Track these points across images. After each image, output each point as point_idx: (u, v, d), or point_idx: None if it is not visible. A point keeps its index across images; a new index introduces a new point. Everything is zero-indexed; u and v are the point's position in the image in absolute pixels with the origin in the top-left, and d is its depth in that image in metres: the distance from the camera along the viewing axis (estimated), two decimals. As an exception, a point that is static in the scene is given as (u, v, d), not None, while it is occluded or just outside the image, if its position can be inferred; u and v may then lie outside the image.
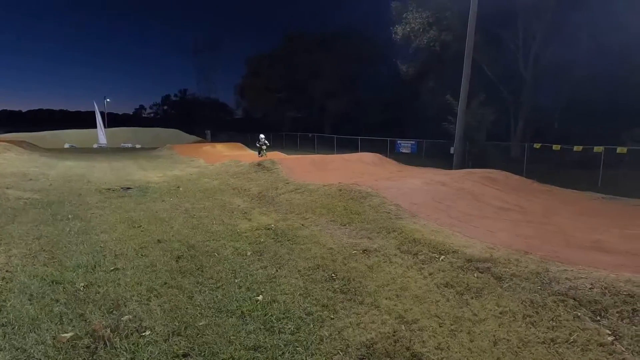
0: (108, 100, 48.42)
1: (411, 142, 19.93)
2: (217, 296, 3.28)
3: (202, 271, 3.87)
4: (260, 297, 3.26)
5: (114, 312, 2.93)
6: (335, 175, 9.63)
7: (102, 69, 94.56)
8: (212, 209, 6.93)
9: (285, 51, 35.59)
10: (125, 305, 3.05)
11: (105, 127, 38.37)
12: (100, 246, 4.58)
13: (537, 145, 14.02)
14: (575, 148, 12.35)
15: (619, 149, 11.66)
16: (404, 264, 4.03)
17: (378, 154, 12.68)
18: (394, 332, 2.73)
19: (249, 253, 4.46)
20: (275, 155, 17.06)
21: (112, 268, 3.86)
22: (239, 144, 24.73)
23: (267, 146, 17.25)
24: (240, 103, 50.01)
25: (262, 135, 17.15)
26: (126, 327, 2.70)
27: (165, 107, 67.29)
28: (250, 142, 29.05)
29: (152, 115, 69.15)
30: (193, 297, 3.26)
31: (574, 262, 3.85)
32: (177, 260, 4.16)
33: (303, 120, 36.61)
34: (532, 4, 17.48)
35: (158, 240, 4.90)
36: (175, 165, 15.16)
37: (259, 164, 10.69)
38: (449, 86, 17.25)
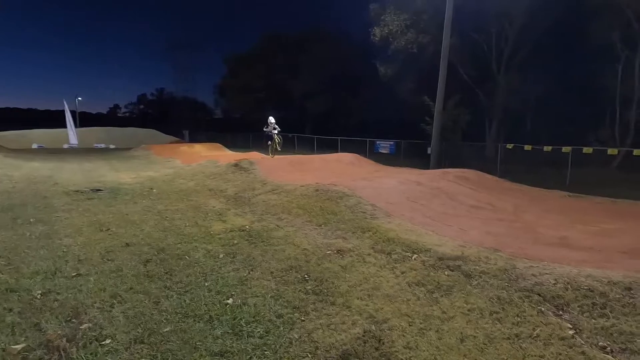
0: (80, 98, 46.64)
1: (390, 142, 20.17)
2: (185, 301, 3.18)
3: (171, 275, 3.74)
4: (230, 301, 3.18)
5: (73, 320, 2.78)
6: (313, 175, 9.60)
7: (75, 66, 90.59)
8: (186, 211, 6.75)
9: (265, 51, 35.31)
10: (86, 313, 2.90)
11: (76, 126, 36.92)
12: (63, 251, 4.36)
13: (509, 146, 14.49)
14: (545, 148, 12.84)
15: (585, 149, 12.21)
16: (377, 264, 4.04)
17: (356, 155, 12.77)
18: (364, 332, 2.72)
19: (221, 255, 4.36)
20: (254, 155, 16.87)
21: (74, 274, 3.67)
22: (218, 144, 24.31)
23: (279, 131, 13.60)
24: (219, 103, 49.26)
25: (271, 119, 13.50)
26: (84, 336, 2.57)
27: (141, 107, 65.44)
28: (230, 143, 28.67)
29: (127, 114, 67.00)
30: (159, 302, 3.14)
31: (540, 259, 3.97)
32: (145, 264, 4.01)
33: (283, 121, 36.35)
34: (503, 9, 18.07)
35: (126, 243, 4.72)
36: (150, 166, 14.73)
37: (235, 165, 10.53)
38: (426, 87, 17.57)
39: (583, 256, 4.26)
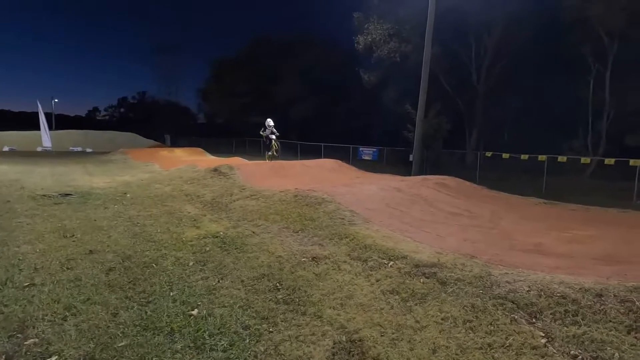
0: (56, 100, 45.21)
1: (373, 149, 20.29)
2: (146, 312, 2.98)
3: (134, 284, 3.53)
4: (195, 312, 3.01)
5: (17, 335, 2.55)
6: (294, 181, 9.47)
7: (52, 68, 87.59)
8: (159, 217, 6.50)
9: (250, 56, 35.16)
10: (34, 327, 2.68)
11: (52, 129, 35.60)
12: (19, 259, 4.07)
13: (488, 154, 14.78)
14: (522, 157, 13.14)
15: (560, 158, 12.57)
16: (353, 271, 3.93)
17: (338, 161, 12.72)
18: (334, 344, 2.60)
19: (191, 263, 4.16)
20: (236, 160, 16.60)
21: (26, 284, 3.41)
22: (199, 149, 23.87)
23: (277, 136, 12.66)
24: (202, 107, 48.63)
25: (270, 121, 12.64)
26: (28, 353, 2.35)
27: (122, 110, 63.83)
28: (213, 148, 28.23)
29: (107, 117, 65.18)
30: (118, 314, 2.93)
31: (516, 265, 3.96)
32: (107, 273, 3.78)
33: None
34: (483, 21, 18.60)
35: (90, 250, 4.46)
36: (126, 170, 14.26)
37: (215, 169, 10.29)
38: (408, 95, 17.83)
39: (557, 263, 4.28)
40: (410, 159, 15.60)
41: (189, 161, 15.65)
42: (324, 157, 18.30)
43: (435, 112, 17.13)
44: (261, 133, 12.72)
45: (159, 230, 5.57)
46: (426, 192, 7.74)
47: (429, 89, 15.16)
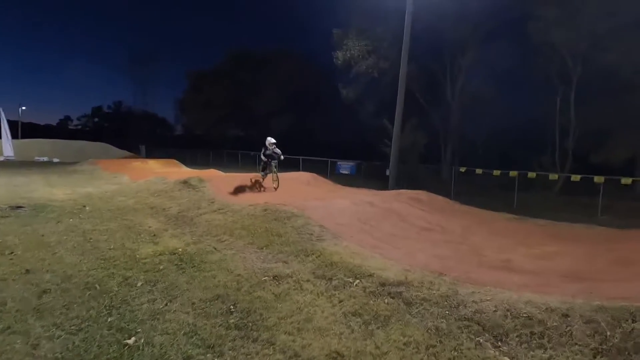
0: (23, 108, 43.24)
1: (351, 163, 20.28)
2: (73, 342, 2.63)
3: (68, 309, 3.15)
4: (131, 340, 2.68)
5: None
6: (266, 194, 9.21)
7: (21, 75, 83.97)
8: (115, 231, 6.06)
9: (229, 68, 34.97)
10: None
11: (17, 137, 33.85)
12: (-62, 280, 3.61)
13: (462, 169, 15.00)
14: (494, 172, 13.40)
15: (530, 174, 12.89)
16: (315, 291, 3.70)
17: (314, 174, 12.54)
18: (283, 376, 2.34)
19: (139, 284, 3.81)
20: (211, 173, 16.15)
21: (-63, 310, 2.99)
22: (174, 161, 23.17)
23: (278, 161, 9.93)
24: (180, 118, 47.71)
25: (270, 140, 9.85)
26: None
27: (95, 120, 61.65)
28: (189, 159, 27.54)
29: (79, 127, 62.73)
30: (39, 345, 2.57)
31: (484, 283, 3.84)
32: (40, 296, 3.38)
33: (246, 139, 35.80)
34: (457, 41, 19.26)
35: (27, 270, 4.02)
36: (92, 182, 13.54)
37: (184, 182, 9.88)
38: (385, 111, 18.03)
39: (524, 280, 4.20)
40: (387, 173, 15.64)
41: (161, 173, 15.08)
42: (302, 171, 18.12)
43: (412, 127, 17.37)
44: (262, 156, 9.92)
45: (112, 247, 5.15)
46: (399, 207, 7.65)
47: (406, 105, 15.37)
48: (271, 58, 33.18)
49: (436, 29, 18.92)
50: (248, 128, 36.46)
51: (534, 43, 16.32)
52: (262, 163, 10.19)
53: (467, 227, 6.89)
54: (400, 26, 14.93)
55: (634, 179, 12.19)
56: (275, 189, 9.81)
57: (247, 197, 8.76)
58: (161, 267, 4.34)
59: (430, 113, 20.81)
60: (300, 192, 9.48)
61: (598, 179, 10.96)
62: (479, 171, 14.13)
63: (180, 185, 9.92)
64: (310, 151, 24.05)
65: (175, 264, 4.44)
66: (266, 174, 10.19)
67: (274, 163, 9.86)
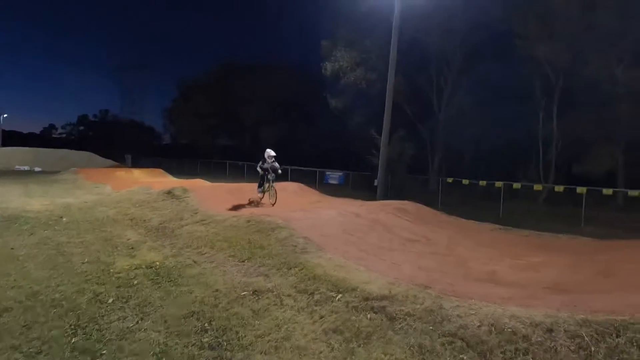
0: (5, 115, 42.18)
1: (339, 173, 20.27)
2: (30, 366, 2.44)
3: (29, 329, 2.95)
4: (94, 364, 2.50)
5: None
6: (252, 206, 9.06)
7: (6, 80, 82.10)
8: (91, 244, 5.82)
9: (219, 77, 34.93)
10: None
11: (-3, 145, 32.87)
12: None
13: (449, 180, 15.12)
14: (481, 183, 13.53)
15: (515, 185, 13.05)
16: (296, 306, 3.56)
17: (301, 184, 12.43)
18: (255, 401, 2.20)
19: (111, 300, 3.62)
20: (198, 182, 15.90)
21: None
22: (160, 170, 22.77)
23: (275, 174, 9.25)
24: (168, 127, 47.19)
25: (270, 152, 9.28)
26: None
27: (81, 128, 60.53)
28: (176, 169, 27.14)
29: (64, 135, 61.45)
30: (-9, 370, 2.37)
31: (468, 296, 3.77)
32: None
33: (234, 148, 35.56)
34: (443, 54, 19.66)
35: (-11, 286, 3.79)
36: (73, 192, 13.14)
37: (168, 192, 9.65)
38: (373, 121, 18.11)
39: (509, 292, 4.15)
40: (375, 183, 15.63)
41: (146, 183, 14.76)
42: (290, 181, 18.00)
43: (399, 138, 17.48)
44: (258, 169, 9.35)
45: (86, 260, 4.93)
46: (385, 218, 7.59)
47: (393, 116, 15.50)
48: (261, 68, 33.28)
49: (423, 43, 19.33)
50: (237, 137, 36.28)
51: (518, 57, 16.75)
52: (259, 177, 9.52)
53: (453, 238, 6.85)
54: (388, 38, 15.14)
55: (615, 189, 12.46)
56: (273, 204, 8.97)
57: (232, 208, 8.59)
58: (135, 281, 4.14)
59: (418, 124, 21.05)
60: (286, 202, 9.35)
61: (580, 190, 11.16)
62: (465, 182, 14.26)
63: (163, 195, 9.69)
64: (300, 161, 24.00)
65: (151, 279, 4.25)
66: (263, 190, 9.38)
67: (271, 177, 9.17)
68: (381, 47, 18.52)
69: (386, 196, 14.62)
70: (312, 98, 29.80)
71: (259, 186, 9.51)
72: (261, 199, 9.46)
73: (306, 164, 22.61)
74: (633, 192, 11.42)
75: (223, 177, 26.06)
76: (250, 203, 9.46)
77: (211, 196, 9.37)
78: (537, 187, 13.60)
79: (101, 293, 3.77)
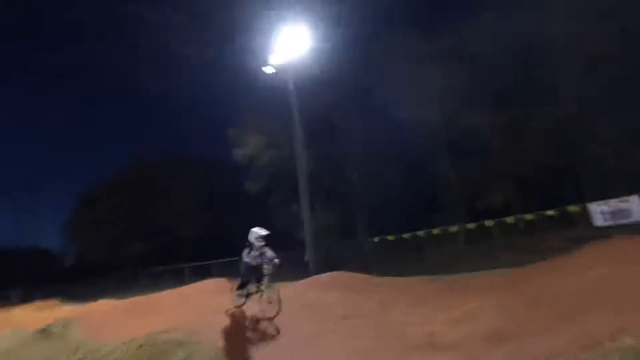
0: None
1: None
2: None
3: None
4: None
5: None
6: (158, 319, 7.49)
7: None
8: None
9: (125, 179, 32.67)
10: None
11: None
12: None
13: (376, 239, 15.20)
14: (404, 236, 13.81)
15: (434, 231, 13.57)
16: None
17: (220, 280, 10.98)
18: None
19: None
20: (100, 306, 13.19)
21: None
22: (53, 302, 18.77)
23: (272, 267, 6.31)
24: (69, 246, 41.04)
25: (259, 232, 6.59)
26: None
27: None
28: (80, 293, 22.83)
29: None
30: None
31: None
32: None
33: (152, 253, 32.04)
34: (346, 127, 21.43)
35: None
36: None
37: (43, 330, 7.55)
38: (294, 197, 18.04)
39: (450, 355, 3.66)
40: (306, 259, 14.90)
41: (24, 322, 11.72)
42: (215, 277, 16.17)
43: (322, 207, 17.53)
44: (245, 261, 6.50)
45: None
46: (313, 298, 6.84)
47: (314, 186, 15.67)
48: (174, 162, 32.26)
49: (327, 118, 20.94)
50: (153, 241, 32.95)
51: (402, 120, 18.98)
52: (241, 274, 6.56)
53: (386, 302, 6.35)
54: (292, 117, 15.99)
55: (516, 216, 13.70)
56: (273, 317, 5.67)
57: (131, 329, 6.94)
58: None
59: (338, 190, 21.66)
60: (202, 306, 8.00)
61: (488, 223, 12.01)
62: (391, 237, 14.43)
63: (37, 335, 7.55)
64: (227, 253, 22.30)
65: None
66: (248, 295, 6.31)
67: (267, 271, 6.15)
68: (288, 126, 19.47)
69: (319, 270, 13.87)
70: (230, 186, 29.25)
71: (240, 287, 6.43)
72: (242, 303, 6.42)
73: (234, 254, 21.00)
74: (528, 216, 12.61)
75: (137, 289, 22.62)
76: (231, 317, 6.14)
77: (103, 322, 7.58)
78: (452, 229, 14.30)
79: None
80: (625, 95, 12.49)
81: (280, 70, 16.75)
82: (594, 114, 13.40)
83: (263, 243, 6.48)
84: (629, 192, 11.26)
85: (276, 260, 6.42)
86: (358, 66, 19.54)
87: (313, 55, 17.49)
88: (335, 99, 19.69)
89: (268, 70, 17.83)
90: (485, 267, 8.85)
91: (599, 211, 11.49)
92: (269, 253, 6.44)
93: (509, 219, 12.40)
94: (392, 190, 20.64)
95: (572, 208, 11.85)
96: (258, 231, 6.55)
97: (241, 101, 21.04)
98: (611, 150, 12.96)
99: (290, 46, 16.19)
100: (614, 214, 11.36)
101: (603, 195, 12.22)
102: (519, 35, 14.35)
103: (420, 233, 13.22)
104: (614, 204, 11.31)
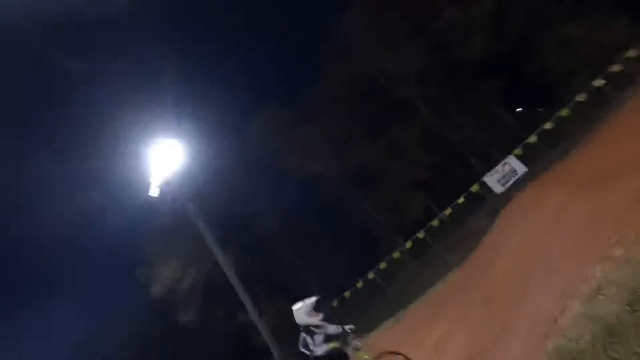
0: None
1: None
2: None
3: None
4: None
5: None
6: None
7: None
8: None
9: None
10: None
11: None
12: None
13: (334, 304, 14.41)
14: (358, 284, 13.38)
15: (381, 265, 13.37)
16: None
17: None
18: None
19: None
20: None
21: None
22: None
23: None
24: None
25: (305, 306, 3.53)
26: None
27: None
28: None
29: None
30: None
31: None
32: None
33: None
34: (253, 215, 21.04)
35: None
36: None
37: None
38: (238, 306, 16.34)
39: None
40: (278, 361, 13.09)
41: None
42: None
43: (268, 301, 16.15)
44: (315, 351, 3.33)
45: None
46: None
47: (251, 287, 14.41)
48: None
49: (228, 211, 20.36)
50: None
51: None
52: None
53: None
54: (195, 235, 15.07)
55: (437, 218, 14.45)
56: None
57: None
58: None
59: (273, 274, 20.71)
60: None
61: (420, 234, 12.41)
62: (347, 294, 13.86)
63: None
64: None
65: None
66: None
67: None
68: (195, 238, 18.23)
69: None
70: (165, 321, 25.41)
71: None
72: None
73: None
74: (446, 212, 13.29)
75: None
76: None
77: None
78: (396, 255, 14.24)
79: None
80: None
81: (166, 188, 16.04)
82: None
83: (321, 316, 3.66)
84: (503, 156, 12.94)
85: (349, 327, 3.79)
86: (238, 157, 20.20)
87: (192, 164, 17.42)
88: (233, 192, 19.57)
89: (154, 193, 16.93)
90: (437, 276, 8.86)
91: (495, 180, 12.72)
92: (332, 329, 3.59)
93: (434, 223, 12.98)
94: (327, 249, 20.49)
95: (474, 188, 12.93)
96: (303, 305, 3.70)
97: (140, 237, 19.38)
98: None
99: (166, 162, 15.80)
100: (505, 176, 12.69)
101: (488, 167, 13.87)
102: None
103: (371, 275, 12.91)
104: (500, 169, 12.66)
